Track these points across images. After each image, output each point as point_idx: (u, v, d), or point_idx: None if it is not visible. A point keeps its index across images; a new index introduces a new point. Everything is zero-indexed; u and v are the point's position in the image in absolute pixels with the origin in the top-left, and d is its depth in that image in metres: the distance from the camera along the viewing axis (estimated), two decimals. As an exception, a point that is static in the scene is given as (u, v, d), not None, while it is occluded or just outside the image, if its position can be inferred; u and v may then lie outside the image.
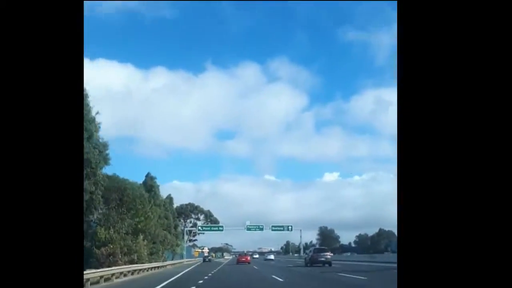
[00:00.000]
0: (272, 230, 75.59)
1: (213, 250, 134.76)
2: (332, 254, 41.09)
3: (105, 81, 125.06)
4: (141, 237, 30.12)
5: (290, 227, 75.39)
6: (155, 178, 43.63)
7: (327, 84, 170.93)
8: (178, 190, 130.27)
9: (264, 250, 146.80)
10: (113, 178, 28.39)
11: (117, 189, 28.14)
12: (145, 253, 31.36)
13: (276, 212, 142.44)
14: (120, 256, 26.87)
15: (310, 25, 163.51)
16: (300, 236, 77.59)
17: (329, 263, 35.94)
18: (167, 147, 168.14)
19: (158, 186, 43.18)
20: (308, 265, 37.55)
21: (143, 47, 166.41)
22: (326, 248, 44.89)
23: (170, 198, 54.74)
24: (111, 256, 26.00)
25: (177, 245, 54.98)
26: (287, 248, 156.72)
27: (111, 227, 27.23)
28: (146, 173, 43.83)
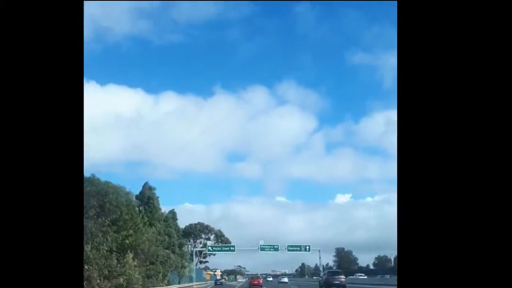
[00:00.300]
0: (288, 250, 68.44)
1: (225, 272, 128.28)
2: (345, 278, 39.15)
3: (115, 106, 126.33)
4: (130, 255, 23.94)
5: (307, 247, 68.28)
6: (154, 188, 37.50)
7: (336, 106, 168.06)
8: (189, 212, 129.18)
9: (278, 273, 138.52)
10: (91, 180, 22.19)
11: (96, 194, 21.98)
12: (137, 276, 25.10)
13: (288, 234, 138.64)
14: (98, 281, 20.60)
15: (317, 48, 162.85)
16: (319, 257, 70.48)
17: (344, 286, 35.79)
18: (178, 170, 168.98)
19: (157, 198, 36.95)
20: None
21: (152, 72, 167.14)
22: (340, 271, 45.89)
23: (173, 213, 48.11)
24: (86, 281, 19.72)
25: (183, 267, 48.33)
26: (302, 271, 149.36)
27: (89, 242, 21.09)
28: (143, 183, 37.68)
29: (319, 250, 69.69)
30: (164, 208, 44.50)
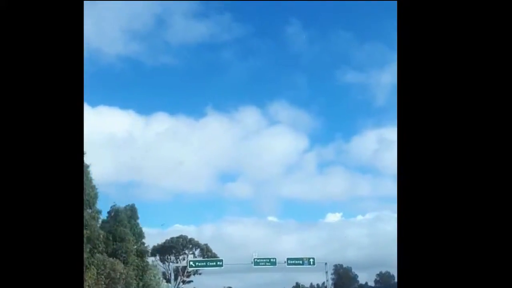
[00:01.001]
0: (288, 264, 54.22)
1: None
2: None
3: (106, 128, 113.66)
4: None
5: (311, 260, 54.20)
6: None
7: (327, 125, 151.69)
8: (180, 233, 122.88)
9: None
10: None
11: None
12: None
13: (281, 253, 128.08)
14: None
15: (309, 68, 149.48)
16: (326, 272, 55.88)
17: None
18: (170, 191, 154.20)
19: (87, 167, 22.67)
20: None
21: (144, 94, 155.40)
22: None
23: (132, 210, 33.77)
24: None
25: (147, 286, 34.05)
26: None
27: None
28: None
29: (325, 264, 55.51)
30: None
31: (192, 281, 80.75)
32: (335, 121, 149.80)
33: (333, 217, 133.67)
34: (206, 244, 78.12)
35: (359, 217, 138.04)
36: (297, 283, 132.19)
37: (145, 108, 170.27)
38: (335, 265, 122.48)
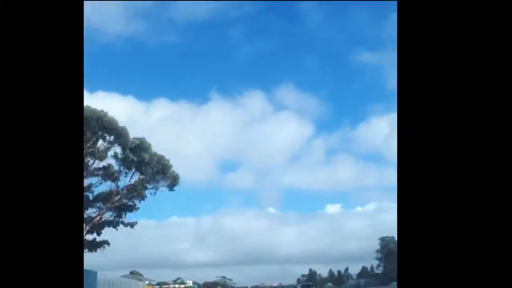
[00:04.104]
0: None
1: (205, 285, 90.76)
2: None
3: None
4: None
5: None
6: None
7: (335, 111, 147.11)
8: (178, 226, 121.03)
9: (267, 285, 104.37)
10: None
11: None
12: None
13: (281, 245, 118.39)
14: None
15: (319, 49, 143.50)
16: None
17: None
18: None
19: None
20: None
21: (145, 78, 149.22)
22: (311, 284, 50.32)
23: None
24: None
25: None
26: (313, 279, 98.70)
27: None
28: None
29: None
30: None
31: (108, 243, 30.81)
32: (344, 106, 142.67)
33: (332, 208, 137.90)
34: (143, 138, 28.09)
35: (358, 208, 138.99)
36: (310, 270, 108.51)
37: (145, 93, 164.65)
38: (382, 238, 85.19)
